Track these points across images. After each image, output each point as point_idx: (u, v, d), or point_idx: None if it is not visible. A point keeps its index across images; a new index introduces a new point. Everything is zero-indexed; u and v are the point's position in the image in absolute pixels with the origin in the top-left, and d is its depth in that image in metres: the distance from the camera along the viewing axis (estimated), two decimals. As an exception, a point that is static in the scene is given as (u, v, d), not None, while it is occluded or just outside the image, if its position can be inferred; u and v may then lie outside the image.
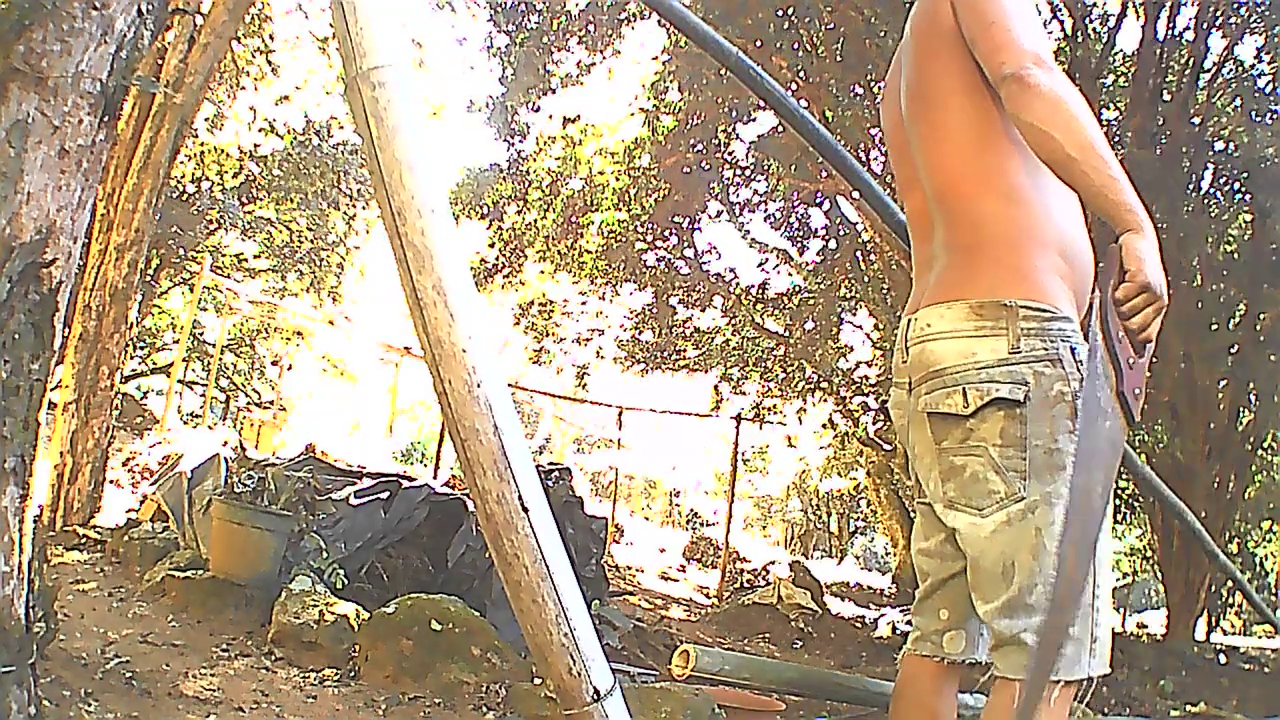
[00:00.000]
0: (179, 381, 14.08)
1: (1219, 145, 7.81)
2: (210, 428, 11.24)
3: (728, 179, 10.66)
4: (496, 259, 11.70)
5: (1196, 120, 7.56)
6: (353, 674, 3.44)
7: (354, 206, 14.33)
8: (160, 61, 5.41)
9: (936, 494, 1.57)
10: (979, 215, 1.54)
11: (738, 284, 11.21)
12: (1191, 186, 7.92)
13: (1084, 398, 1.38)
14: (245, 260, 15.15)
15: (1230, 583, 9.16)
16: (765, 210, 11.11)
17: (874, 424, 11.11)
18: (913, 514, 1.77)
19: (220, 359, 14.36)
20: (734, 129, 9.94)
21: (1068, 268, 1.54)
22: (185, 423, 13.40)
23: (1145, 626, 14.88)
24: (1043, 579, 1.42)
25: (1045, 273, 1.51)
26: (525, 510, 1.56)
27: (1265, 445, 9.52)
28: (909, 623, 1.76)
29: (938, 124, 1.58)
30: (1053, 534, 1.42)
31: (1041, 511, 1.44)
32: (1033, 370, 1.45)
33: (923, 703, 1.67)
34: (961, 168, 1.56)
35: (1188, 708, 5.81)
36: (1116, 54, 8.24)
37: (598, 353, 12.69)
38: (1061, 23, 7.79)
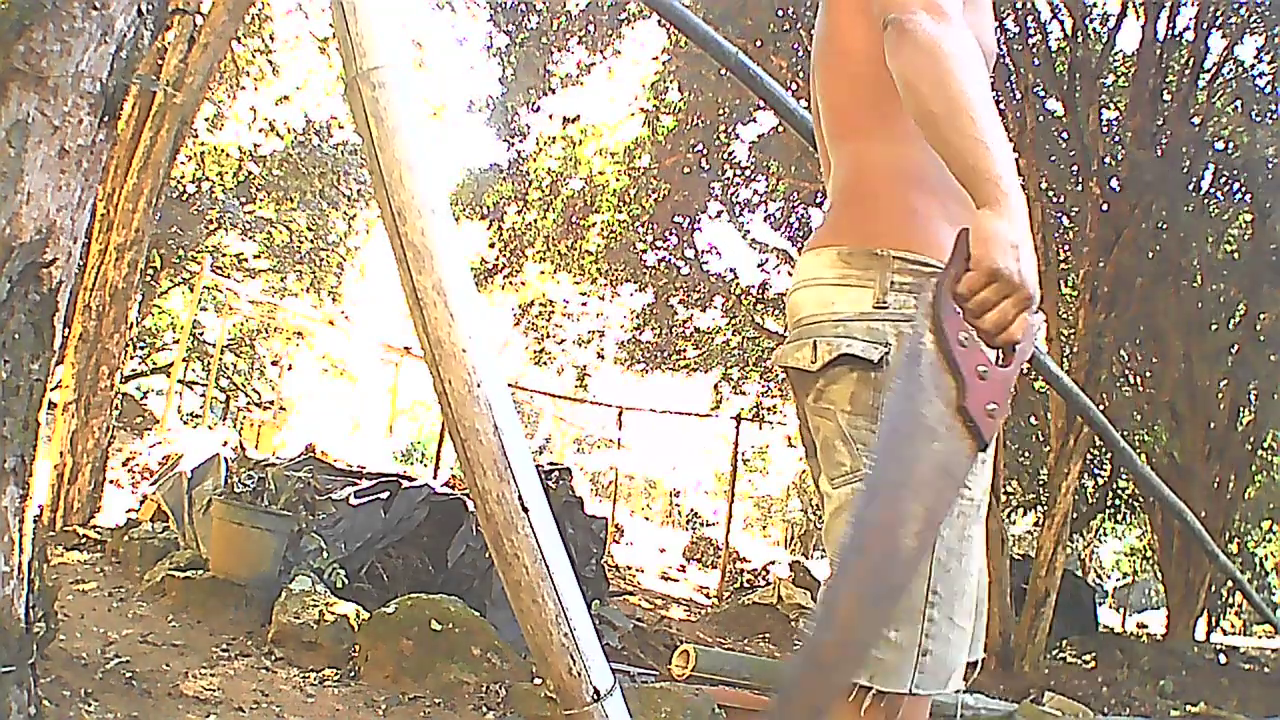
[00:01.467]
0: (179, 381, 14.08)
1: (1219, 145, 7.82)
2: (210, 428, 11.25)
3: (728, 179, 10.66)
4: (496, 259, 11.70)
5: (1196, 120, 7.57)
6: (353, 674, 3.44)
7: (354, 206, 14.33)
8: (160, 61, 5.41)
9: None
10: (865, 157, 1.38)
11: (738, 284, 11.21)
12: (1191, 186, 7.93)
13: (890, 415, 1.16)
14: (245, 260, 15.16)
15: (1230, 583, 9.17)
16: (765, 210, 11.11)
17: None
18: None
19: (220, 359, 14.36)
20: (734, 129, 9.94)
21: (955, 216, 1.27)
22: (185, 423, 13.40)
23: (1145, 626, 14.88)
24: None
25: (933, 220, 1.29)
26: (525, 510, 1.55)
27: (1265, 445, 9.54)
28: None
29: (834, 66, 1.44)
30: None
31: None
32: (896, 330, 1.24)
33: None
34: (854, 106, 1.40)
35: (1188, 708, 5.81)
36: (1116, 54, 8.24)
37: (598, 353, 12.70)
38: (1061, 23, 7.79)
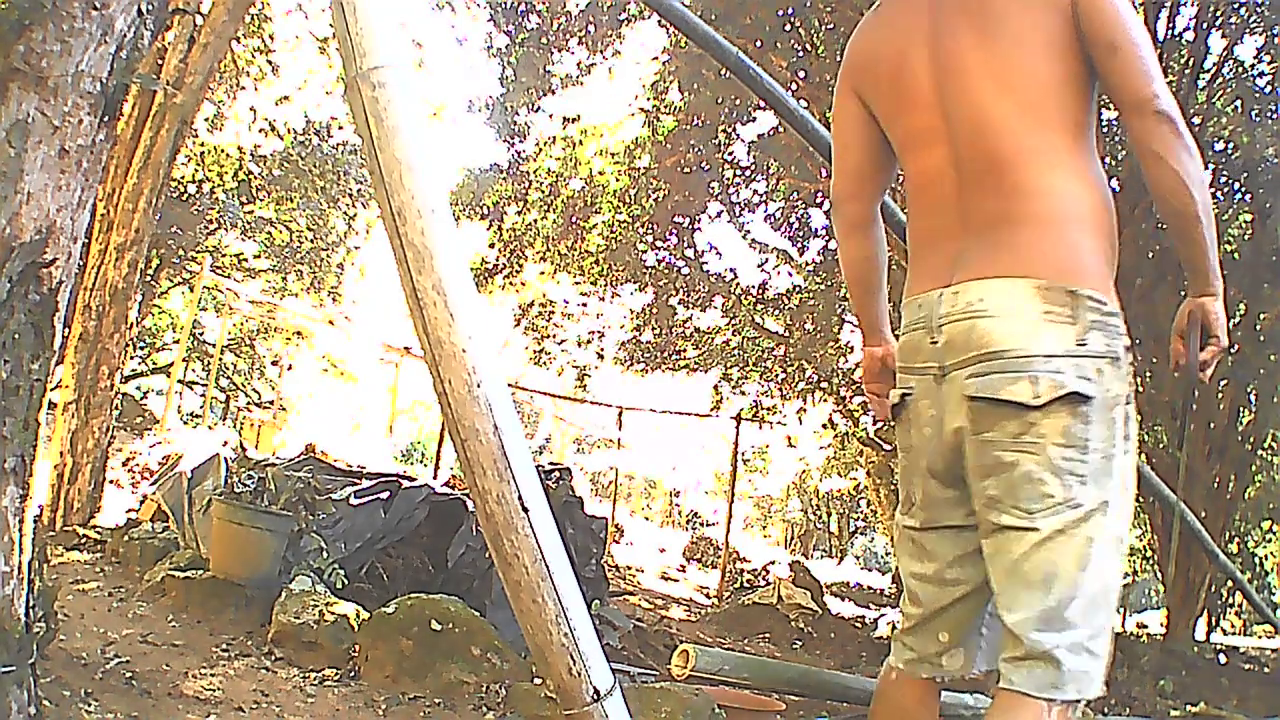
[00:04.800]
0: (179, 381, 14.08)
1: (1219, 145, 7.81)
2: (210, 428, 11.24)
3: (728, 179, 10.65)
4: (496, 259, 11.70)
5: (1196, 120, 7.56)
6: (353, 674, 3.44)
7: (354, 206, 14.33)
8: (160, 61, 5.40)
9: (975, 490, 1.45)
10: (1050, 189, 1.42)
11: (738, 284, 11.21)
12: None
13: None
14: (245, 260, 15.15)
15: (1230, 583, 9.17)
16: (765, 210, 11.10)
17: (874, 424, 11.10)
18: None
19: (220, 359, 14.36)
20: (734, 129, 9.93)
21: (1113, 263, 1.48)
22: (185, 423, 13.41)
23: (1145, 626, 14.87)
24: (1082, 592, 1.35)
25: (1104, 264, 1.45)
26: (525, 510, 1.56)
27: (1265, 445, 9.53)
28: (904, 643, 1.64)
29: (1015, 84, 1.44)
30: (1102, 545, 1.36)
31: (1095, 521, 1.36)
32: (1096, 367, 1.38)
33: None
34: (1039, 135, 1.44)
35: (1188, 708, 5.81)
36: (1116, 54, 8.23)
37: (598, 353, 12.69)
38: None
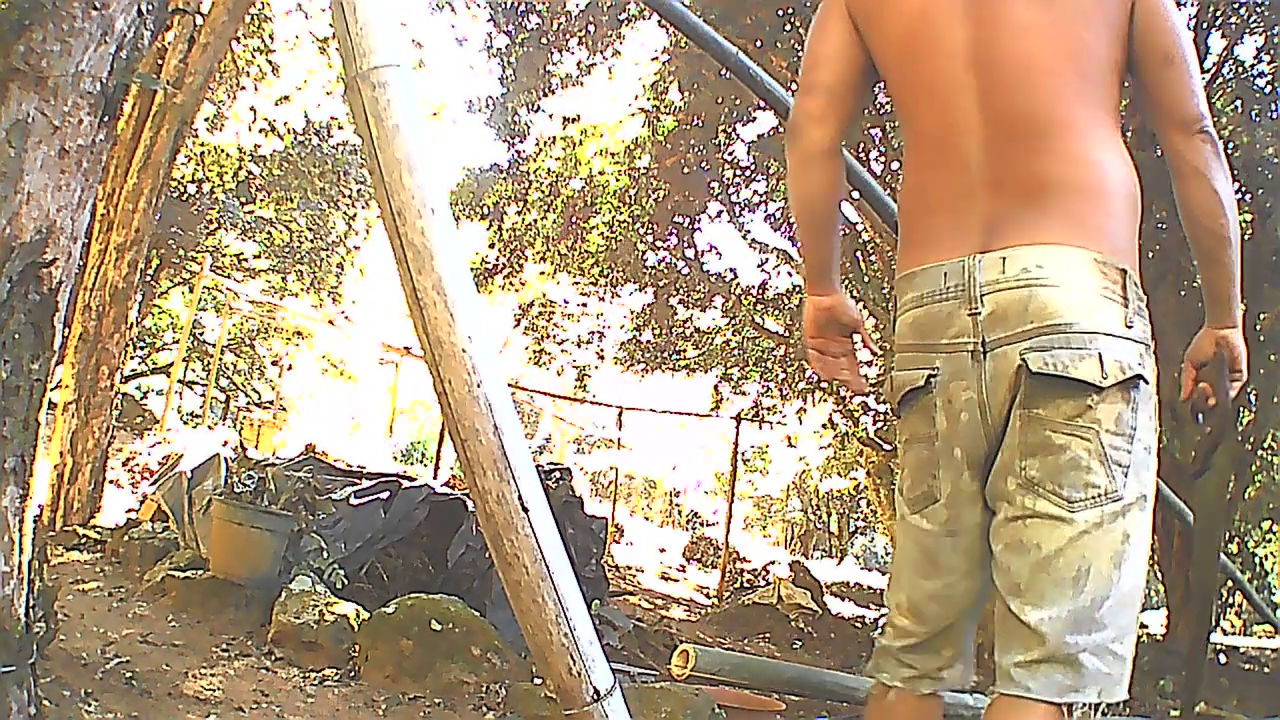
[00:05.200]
0: (179, 381, 14.08)
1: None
2: (210, 428, 11.25)
3: (728, 179, 10.65)
4: (497, 259, 11.70)
5: (1196, 120, 7.56)
6: (353, 674, 3.44)
7: (354, 206, 14.33)
8: (160, 61, 5.40)
9: (1009, 465, 1.32)
10: (1101, 161, 1.34)
11: (738, 284, 11.21)
12: (1192, 186, 7.91)
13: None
14: (245, 260, 15.16)
15: (1230, 582, 9.17)
16: (765, 210, 11.10)
17: (874, 424, 11.11)
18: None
19: (220, 359, 14.36)
20: (734, 129, 9.94)
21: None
22: (185, 423, 13.41)
23: (1145, 626, 14.87)
24: (1115, 591, 1.27)
25: (1137, 250, 1.37)
26: (525, 510, 1.55)
27: (1265, 445, 9.53)
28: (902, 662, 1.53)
29: (1076, 54, 1.36)
30: (1137, 541, 1.30)
31: (1133, 515, 1.29)
32: (1140, 352, 1.31)
33: None
34: (1089, 107, 1.36)
35: (1188, 708, 5.80)
36: (1116, 54, 8.24)
37: (598, 353, 12.69)
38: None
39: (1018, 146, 1.35)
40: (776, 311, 11.38)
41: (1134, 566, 1.30)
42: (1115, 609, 1.28)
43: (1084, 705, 1.28)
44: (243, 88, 11.39)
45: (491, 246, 11.69)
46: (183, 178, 12.54)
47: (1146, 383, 1.31)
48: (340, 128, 12.93)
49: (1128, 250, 1.34)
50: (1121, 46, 1.39)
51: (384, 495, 4.60)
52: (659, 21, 8.34)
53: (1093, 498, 1.28)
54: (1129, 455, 1.29)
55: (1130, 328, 1.30)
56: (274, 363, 17.13)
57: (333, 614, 3.62)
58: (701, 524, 20.06)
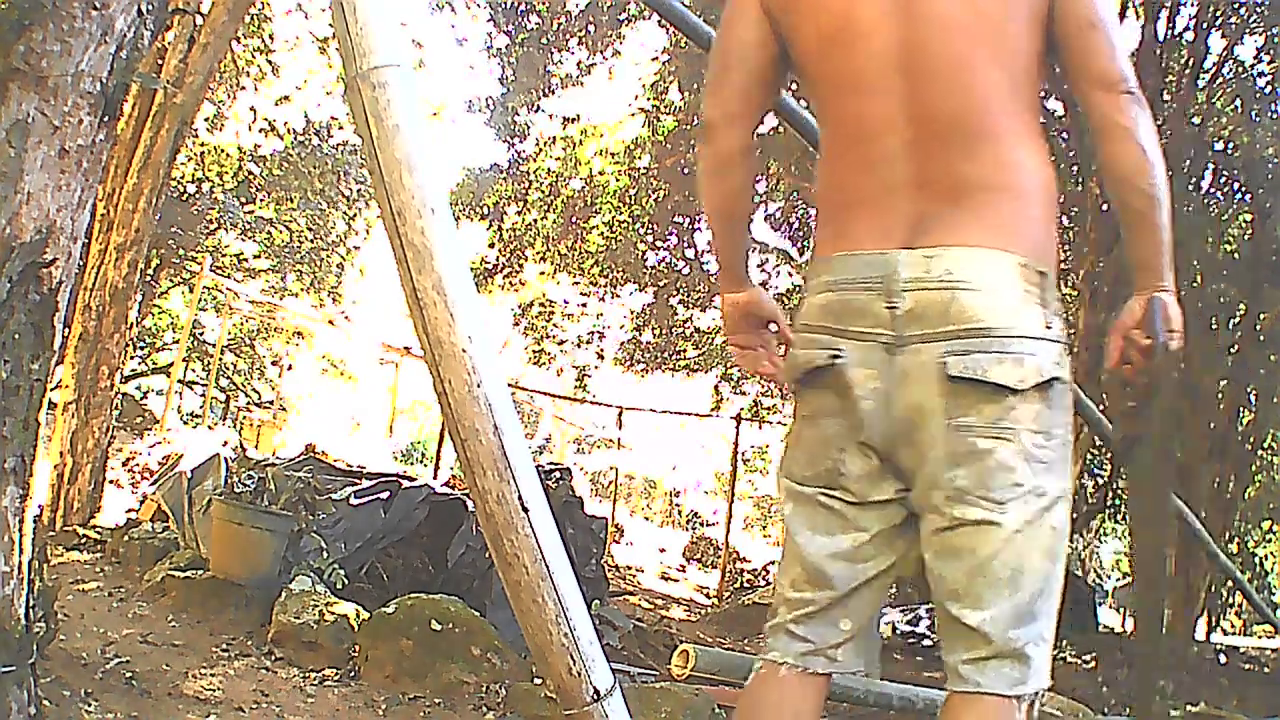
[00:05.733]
0: (179, 381, 14.08)
1: (1219, 145, 7.81)
2: (210, 428, 11.24)
3: (728, 179, 10.65)
4: (497, 259, 11.71)
5: (1196, 120, 7.56)
6: (353, 674, 3.44)
7: (354, 206, 14.33)
8: (160, 61, 5.40)
9: (933, 478, 1.33)
10: (1024, 164, 1.36)
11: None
12: (1191, 186, 7.92)
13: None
14: (245, 260, 15.16)
15: (1230, 583, 9.17)
16: (765, 210, 11.11)
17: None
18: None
19: (220, 359, 14.36)
20: (734, 129, 9.92)
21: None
22: (185, 423, 13.40)
23: (1145, 626, 14.82)
24: (1047, 584, 1.32)
25: (1056, 250, 1.39)
26: (525, 510, 1.55)
27: (1265, 445, 9.53)
28: (779, 636, 1.47)
29: (1004, 53, 1.36)
30: (1063, 533, 1.34)
31: (1058, 509, 1.33)
32: (1059, 352, 1.34)
33: None
34: (1013, 106, 1.37)
35: (1188, 708, 5.81)
36: (1116, 54, 8.23)
37: (598, 353, 12.70)
38: (1061, 23, 7.79)
39: (945, 148, 1.35)
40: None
41: (1060, 558, 1.35)
42: (1046, 599, 1.33)
43: (1029, 696, 1.31)
44: (243, 88, 11.40)
45: (491, 246, 11.69)
46: (183, 178, 12.54)
47: (1063, 382, 1.34)
48: (340, 128, 12.94)
49: (1048, 252, 1.36)
50: (1042, 35, 1.37)
51: (384, 495, 4.60)
52: (659, 21, 8.33)
53: (1020, 497, 1.30)
54: (1050, 452, 1.32)
55: (1049, 328, 1.33)
56: (274, 363, 17.13)
57: (333, 614, 3.62)
58: (701, 524, 20.05)
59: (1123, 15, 7.69)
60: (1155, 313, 1.36)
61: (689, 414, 13.20)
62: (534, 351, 13.01)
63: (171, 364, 13.24)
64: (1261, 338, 8.12)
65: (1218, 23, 7.46)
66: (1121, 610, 19.23)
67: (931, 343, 1.31)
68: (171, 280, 14.73)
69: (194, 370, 16.60)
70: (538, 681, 3.40)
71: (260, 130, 12.18)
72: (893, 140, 1.36)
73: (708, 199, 1.57)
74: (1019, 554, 1.30)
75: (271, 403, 16.13)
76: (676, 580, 11.70)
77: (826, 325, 1.40)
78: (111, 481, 5.98)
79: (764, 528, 24.24)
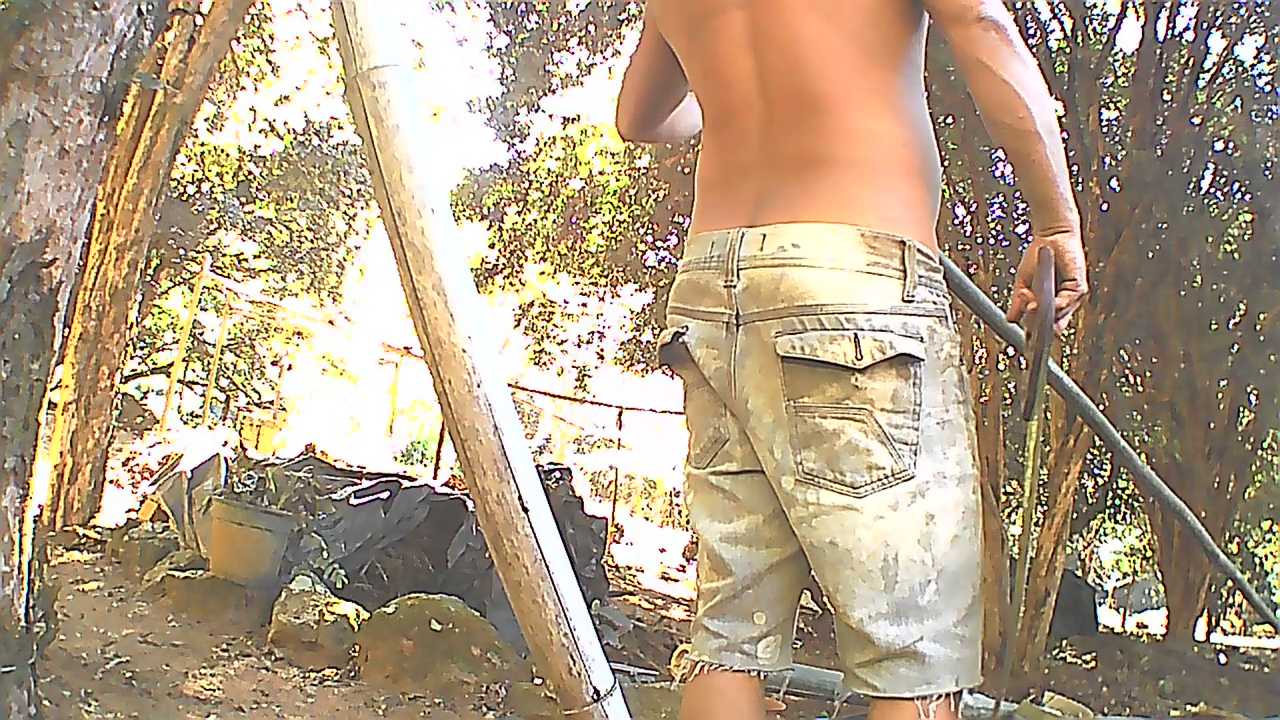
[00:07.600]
0: (179, 381, 14.08)
1: (1219, 145, 7.81)
2: (210, 428, 11.24)
3: (728, 179, 10.65)
4: (497, 260, 11.70)
5: (1196, 120, 7.56)
6: (353, 674, 3.44)
7: (354, 206, 14.33)
8: (160, 61, 5.41)
9: (783, 464, 1.27)
10: (874, 133, 1.28)
11: (738, 284, 11.20)
12: (1191, 186, 7.92)
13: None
14: (245, 260, 15.16)
15: (1230, 583, 9.18)
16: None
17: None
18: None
19: (220, 359, 14.36)
20: (734, 129, 9.93)
21: (936, 216, 1.34)
22: (185, 423, 13.41)
23: (1145, 626, 14.89)
24: (938, 575, 1.22)
25: (929, 217, 1.30)
26: (525, 510, 1.55)
27: (1265, 445, 9.54)
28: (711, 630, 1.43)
29: (838, 13, 1.29)
30: (947, 520, 1.23)
31: (934, 494, 1.22)
32: (926, 325, 1.24)
33: None
34: (863, 72, 1.29)
35: (1188, 708, 5.82)
36: (1116, 54, 8.24)
37: (598, 353, 12.70)
38: (1061, 23, 7.79)
39: (791, 124, 1.31)
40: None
41: (953, 546, 1.24)
42: (945, 592, 1.23)
43: (940, 695, 1.23)
44: (243, 88, 11.40)
45: (491, 246, 11.68)
46: (183, 178, 12.55)
47: (921, 359, 1.23)
48: (340, 128, 12.94)
49: (907, 220, 1.26)
50: None
51: (384, 495, 4.60)
52: (659, 21, 8.33)
53: (879, 480, 1.22)
54: (916, 433, 1.23)
55: (912, 299, 1.23)
56: (274, 363, 17.13)
57: (333, 614, 3.62)
58: (701, 524, 20.03)
59: (1122, 15, 7.70)
60: (1044, 265, 1.23)
61: (689, 414, 13.16)
62: (534, 351, 13.00)
63: (171, 364, 13.24)
64: (1261, 338, 8.12)
65: (1218, 23, 7.45)
66: (1122, 610, 19.23)
67: (765, 321, 1.27)
68: (171, 280, 14.73)
69: (194, 370, 16.60)
70: (538, 681, 3.40)
71: (260, 130, 12.18)
72: (750, 120, 1.35)
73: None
74: (888, 543, 1.21)
75: (271, 403, 16.12)
76: (676, 580, 11.70)
77: (678, 305, 1.41)
78: (111, 481, 5.98)
79: (764, 528, 24.26)
